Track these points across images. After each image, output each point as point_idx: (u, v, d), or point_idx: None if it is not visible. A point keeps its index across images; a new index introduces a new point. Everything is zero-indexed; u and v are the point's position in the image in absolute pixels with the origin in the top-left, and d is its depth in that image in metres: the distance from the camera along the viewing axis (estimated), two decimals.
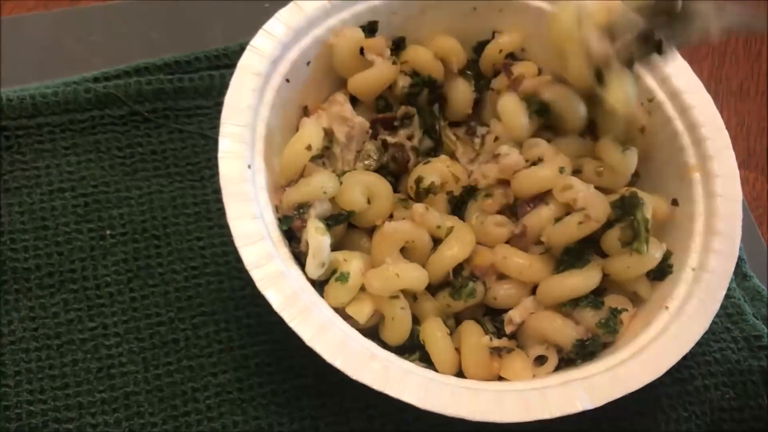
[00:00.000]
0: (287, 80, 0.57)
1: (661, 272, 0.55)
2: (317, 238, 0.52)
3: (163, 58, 0.67)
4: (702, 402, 0.57)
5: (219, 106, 0.65)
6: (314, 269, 0.52)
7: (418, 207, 0.55)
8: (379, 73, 0.58)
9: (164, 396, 0.56)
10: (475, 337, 0.54)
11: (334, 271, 0.53)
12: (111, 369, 0.56)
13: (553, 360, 0.53)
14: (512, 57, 0.62)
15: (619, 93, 0.53)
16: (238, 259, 0.60)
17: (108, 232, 0.61)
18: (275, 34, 0.56)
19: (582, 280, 0.53)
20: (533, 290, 0.55)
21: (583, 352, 0.53)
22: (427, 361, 0.53)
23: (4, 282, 0.58)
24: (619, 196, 0.54)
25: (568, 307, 0.54)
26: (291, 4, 0.57)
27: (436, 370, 0.52)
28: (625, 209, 0.54)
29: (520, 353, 0.54)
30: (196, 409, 0.55)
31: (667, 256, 0.55)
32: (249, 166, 0.52)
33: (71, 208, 0.61)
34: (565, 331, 0.53)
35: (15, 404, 0.54)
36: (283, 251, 0.51)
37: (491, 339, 0.54)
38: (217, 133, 0.63)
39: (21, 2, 0.74)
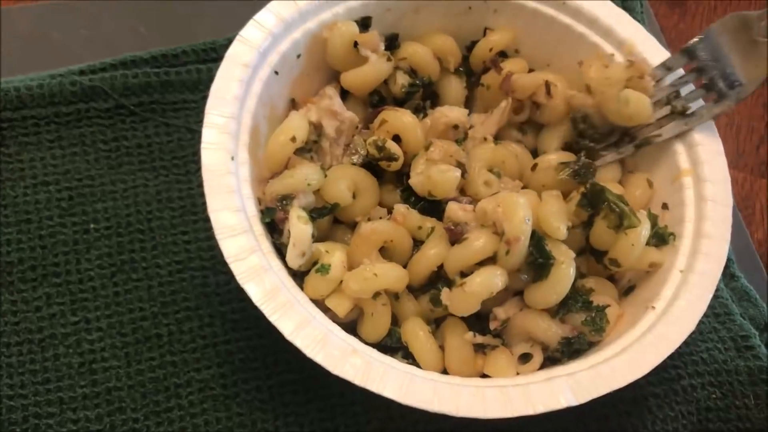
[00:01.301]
0: (276, 72, 0.56)
1: (661, 237, 0.55)
2: (299, 226, 0.51)
3: (150, 52, 0.67)
4: (689, 402, 0.56)
5: (206, 99, 0.64)
6: (294, 258, 0.51)
7: (400, 207, 0.54)
8: (374, 69, 0.58)
9: (146, 391, 0.55)
10: (458, 334, 0.53)
11: (315, 263, 0.52)
12: (93, 364, 0.56)
13: (537, 358, 0.53)
14: (503, 55, 0.62)
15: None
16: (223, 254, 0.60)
17: (92, 225, 0.60)
18: (266, 25, 0.56)
19: (554, 287, 0.52)
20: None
21: (569, 350, 0.53)
22: (409, 359, 0.53)
23: None
24: (581, 195, 0.54)
25: (555, 306, 0.53)
26: None
27: (420, 368, 0.52)
28: (593, 201, 0.53)
29: (504, 350, 0.53)
30: (179, 405, 0.55)
31: (653, 218, 0.55)
32: (232, 158, 0.52)
33: (55, 201, 0.61)
34: (551, 329, 0.53)
35: None
36: (265, 245, 0.51)
37: (475, 335, 0.53)
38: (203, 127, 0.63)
39: None
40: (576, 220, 0.54)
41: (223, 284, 0.59)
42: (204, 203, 0.60)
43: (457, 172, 0.54)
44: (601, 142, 0.59)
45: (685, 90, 0.58)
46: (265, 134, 0.56)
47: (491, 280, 0.51)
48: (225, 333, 0.57)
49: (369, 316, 0.52)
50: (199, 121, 0.63)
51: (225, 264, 0.58)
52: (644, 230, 0.52)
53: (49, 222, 0.60)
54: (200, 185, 0.61)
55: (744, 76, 0.55)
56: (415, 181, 0.55)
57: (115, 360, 0.56)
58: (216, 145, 0.51)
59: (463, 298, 0.51)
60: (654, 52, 0.59)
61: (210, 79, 0.64)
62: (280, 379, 0.56)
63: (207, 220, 0.59)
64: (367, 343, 0.51)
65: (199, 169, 0.61)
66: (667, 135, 0.57)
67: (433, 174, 0.54)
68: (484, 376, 0.53)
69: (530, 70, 0.62)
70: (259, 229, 0.51)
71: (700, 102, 0.57)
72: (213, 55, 0.67)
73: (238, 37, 0.55)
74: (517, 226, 0.50)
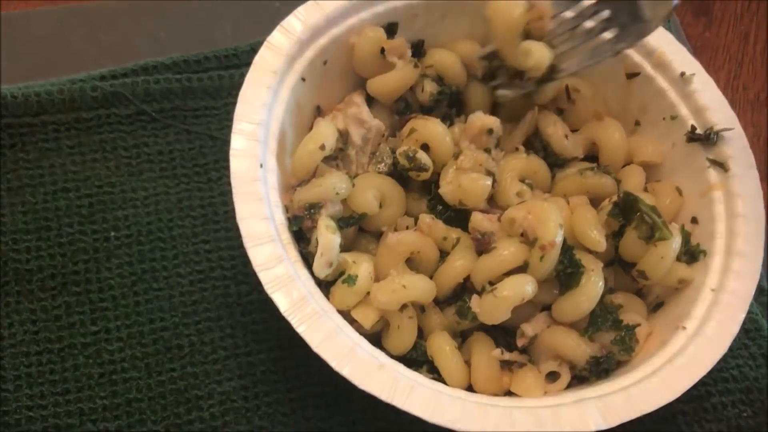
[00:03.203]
0: (303, 79, 0.55)
1: (692, 254, 0.54)
2: (327, 236, 0.51)
3: (172, 57, 0.66)
4: (719, 420, 0.56)
5: (228, 106, 0.64)
6: (321, 268, 0.51)
7: (425, 217, 0.54)
8: (401, 75, 0.57)
9: (167, 403, 0.54)
10: (485, 350, 0.52)
11: (341, 273, 0.52)
12: (113, 375, 0.55)
13: (565, 377, 0.52)
14: None
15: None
16: (245, 263, 0.59)
17: (112, 233, 0.59)
18: (293, 32, 0.55)
19: (584, 297, 0.51)
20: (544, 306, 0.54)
21: (597, 369, 0.52)
22: (435, 373, 0.52)
23: (5, 283, 0.57)
24: (613, 204, 0.53)
25: (583, 322, 0.52)
26: (310, 2, 0.56)
27: (445, 383, 0.51)
28: (625, 212, 0.52)
29: (531, 369, 0.52)
30: (200, 418, 0.54)
31: (686, 235, 0.54)
32: (261, 165, 0.51)
33: (75, 208, 0.60)
34: (579, 347, 0.52)
35: (14, 409, 0.53)
36: (293, 254, 0.50)
37: (502, 352, 0.52)
38: (225, 134, 0.63)
39: None
40: (606, 230, 0.52)
41: (245, 294, 0.58)
42: (225, 212, 0.61)
43: (489, 180, 0.53)
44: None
45: (589, 24, 0.56)
46: (292, 141, 0.55)
47: (522, 287, 0.50)
48: (246, 344, 0.56)
49: (395, 329, 0.52)
50: (221, 128, 0.64)
51: (246, 274, 0.59)
52: (675, 243, 0.51)
53: (69, 229, 0.59)
54: (222, 194, 0.61)
55: (647, 12, 0.53)
56: (446, 190, 0.54)
57: (135, 371, 0.55)
58: (245, 153, 0.51)
59: (494, 305, 0.50)
60: (684, 62, 0.58)
61: (232, 86, 0.65)
62: (303, 392, 0.55)
63: (228, 229, 0.60)
64: (391, 356, 0.50)
65: (220, 177, 0.62)
66: (569, 70, 0.56)
67: (464, 182, 0.53)
68: (509, 392, 0.52)
69: None
70: (286, 237, 0.50)
71: (604, 37, 0.55)
72: (235, 61, 0.66)
73: (265, 44, 0.54)
74: (551, 231, 0.50)
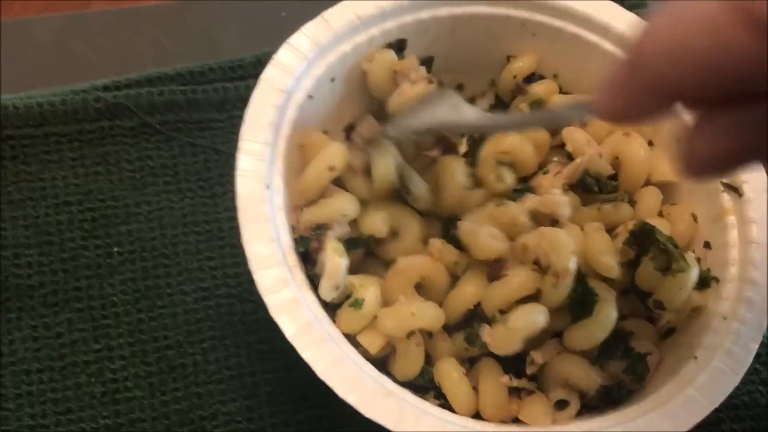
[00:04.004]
0: (310, 97, 0.54)
1: (704, 281, 0.52)
2: (334, 259, 0.50)
3: (176, 68, 0.65)
4: None
5: (233, 119, 0.63)
6: (328, 291, 0.50)
7: (436, 242, 0.53)
8: (417, 91, 0.55)
9: (171, 423, 0.53)
10: (493, 376, 0.51)
11: (348, 296, 0.51)
12: (116, 394, 0.54)
13: (574, 405, 0.51)
14: (540, 77, 0.61)
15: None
16: (250, 281, 0.57)
17: (115, 249, 0.58)
18: (300, 49, 0.54)
19: (596, 327, 0.50)
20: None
21: (608, 399, 0.51)
22: (442, 399, 0.51)
23: (6, 299, 0.56)
24: (629, 233, 0.52)
25: (594, 350, 0.51)
26: (318, 18, 0.55)
27: (451, 409, 0.50)
28: (641, 241, 0.51)
29: (540, 397, 0.51)
30: None
31: (699, 261, 0.53)
32: (267, 186, 0.50)
33: (77, 222, 0.59)
34: (590, 376, 0.51)
35: (16, 429, 0.52)
36: (299, 276, 0.49)
37: (511, 379, 0.51)
38: (230, 148, 0.61)
39: (28, 3, 0.71)
40: (622, 258, 0.52)
41: (250, 313, 0.57)
42: (231, 228, 0.60)
43: (505, 245, 0.52)
44: None
45: None
46: (299, 161, 0.54)
47: (534, 317, 0.49)
48: (251, 364, 0.56)
49: (402, 355, 0.51)
50: (226, 141, 0.63)
51: (252, 292, 0.57)
52: (693, 274, 0.50)
53: (72, 244, 0.58)
54: (227, 209, 0.60)
55: None
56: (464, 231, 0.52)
57: (138, 390, 0.54)
58: (251, 173, 0.50)
59: (505, 336, 0.49)
60: None
61: (237, 98, 0.64)
62: (308, 414, 0.54)
63: (234, 246, 0.59)
64: (397, 381, 0.50)
65: (225, 192, 0.61)
66: None
67: (481, 235, 0.52)
68: (516, 419, 0.51)
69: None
70: (292, 259, 0.49)
71: None
72: (240, 72, 0.65)
73: (272, 61, 0.53)
74: (565, 259, 0.49)
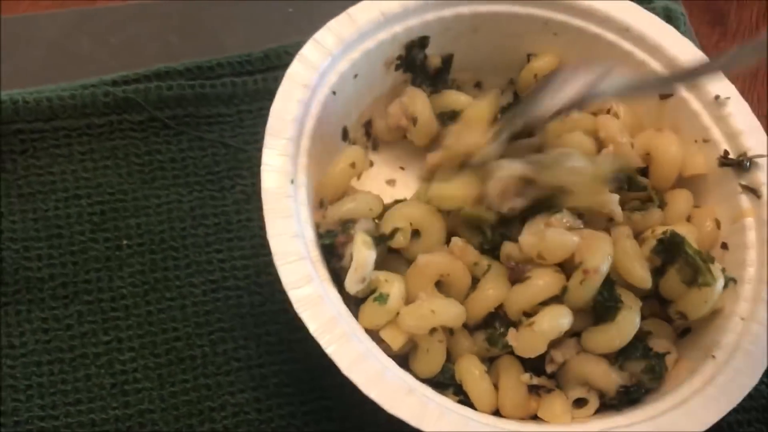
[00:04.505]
0: (334, 93, 0.55)
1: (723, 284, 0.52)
2: (363, 251, 0.50)
3: (185, 63, 0.65)
4: None
5: (241, 114, 0.64)
6: (354, 284, 0.50)
7: (457, 241, 0.53)
8: None
9: (180, 415, 0.54)
10: (514, 374, 0.52)
11: (372, 291, 0.51)
12: (125, 385, 0.54)
13: (593, 404, 0.51)
14: None
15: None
16: (258, 273, 0.59)
17: (125, 242, 0.59)
18: (325, 45, 0.54)
19: (617, 333, 0.51)
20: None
21: (626, 398, 0.51)
22: (461, 395, 0.52)
23: (16, 291, 0.56)
24: (657, 241, 0.52)
25: (614, 352, 0.52)
26: (343, 15, 0.56)
27: (471, 406, 0.50)
28: (669, 251, 0.52)
29: (560, 395, 0.52)
30: (213, 430, 0.54)
31: (724, 271, 0.53)
32: (291, 181, 0.50)
33: (87, 216, 0.59)
34: (609, 376, 0.51)
35: (26, 420, 0.53)
36: (322, 272, 0.50)
37: (531, 377, 0.52)
38: (238, 142, 0.63)
39: (36, 2, 0.71)
40: (648, 265, 0.52)
41: (258, 305, 0.58)
42: (239, 221, 0.60)
43: (575, 238, 0.51)
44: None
45: None
46: (322, 156, 0.55)
47: (559, 320, 0.49)
48: (259, 356, 0.56)
49: (423, 352, 0.51)
50: (234, 136, 0.63)
51: (260, 284, 0.58)
52: (718, 286, 0.50)
53: (81, 237, 0.58)
54: (235, 202, 0.61)
55: None
56: (527, 241, 0.52)
57: (147, 381, 0.55)
58: (276, 168, 0.50)
59: (532, 339, 0.49)
60: (719, 84, 0.57)
61: (245, 93, 0.64)
62: (315, 405, 0.55)
63: (242, 238, 0.60)
64: (418, 378, 0.50)
65: (234, 186, 0.61)
66: None
67: (550, 236, 0.51)
68: (535, 417, 0.52)
69: None
70: (316, 254, 0.50)
71: None
72: (248, 68, 0.66)
73: (297, 57, 0.54)
74: (599, 258, 0.49)
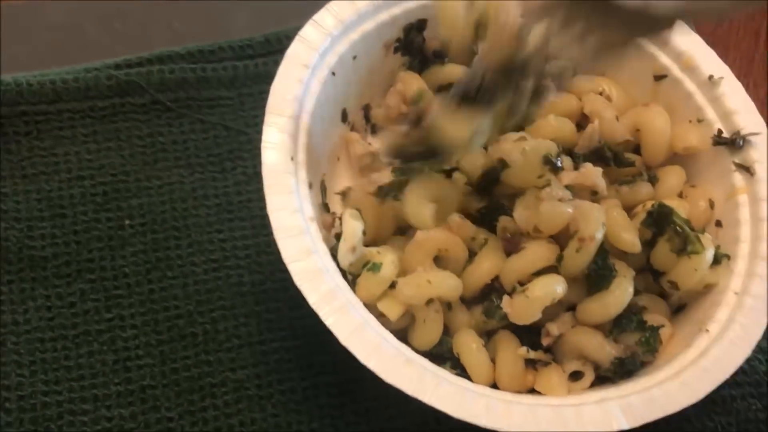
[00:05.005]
0: (333, 73, 0.56)
1: (715, 258, 0.53)
2: (350, 222, 0.52)
3: (187, 47, 0.66)
4: (728, 413, 0.56)
5: (242, 97, 0.65)
6: (344, 254, 0.51)
7: (454, 216, 0.54)
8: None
9: (181, 390, 0.55)
10: (511, 348, 0.53)
11: (366, 264, 0.52)
12: (127, 362, 0.55)
13: (589, 376, 0.52)
14: None
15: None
16: (259, 253, 0.60)
17: (127, 222, 0.60)
18: (325, 26, 0.55)
19: (612, 300, 0.52)
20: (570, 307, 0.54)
21: (621, 370, 0.52)
22: (458, 369, 0.52)
23: (20, 270, 0.57)
24: (647, 214, 0.53)
25: (608, 323, 0.53)
26: None
27: (468, 379, 0.51)
28: (659, 222, 0.53)
29: (556, 368, 0.52)
30: (214, 405, 0.54)
31: (718, 248, 0.54)
32: (292, 158, 0.51)
33: (90, 196, 0.60)
34: (604, 348, 0.52)
35: (30, 394, 0.53)
36: (321, 246, 0.50)
37: (528, 351, 0.52)
38: (239, 125, 0.63)
39: None
40: (639, 237, 0.53)
41: (258, 284, 0.58)
42: (239, 202, 0.61)
43: (569, 209, 0.51)
44: None
45: None
46: (322, 134, 0.56)
47: (553, 287, 0.50)
48: (260, 333, 0.57)
49: (421, 323, 0.52)
50: (235, 119, 0.64)
51: (260, 263, 0.59)
52: (708, 256, 0.51)
53: (84, 217, 0.59)
54: (236, 183, 0.62)
55: None
56: (522, 215, 0.52)
57: (149, 358, 0.55)
58: (276, 145, 0.51)
59: (525, 305, 0.50)
60: (713, 65, 0.58)
61: (247, 76, 0.65)
62: (315, 381, 0.56)
63: (242, 219, 0.60)
64: (417, 351, 0.51)
65: (234, 167, 0.62)
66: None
67: (544, 209, 0.51)
68: (532, 390, 0.52)
69: None
70: (315, 229, 0.51)
71: None
72: (249, 51, 0.67)
73: (297, 37, 0.55)
74: (593, 226, 0.50)
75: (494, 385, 0.52)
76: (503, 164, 0.53)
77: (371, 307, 0.51)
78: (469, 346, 0.52)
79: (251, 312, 0.57)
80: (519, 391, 0.52)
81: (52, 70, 0.64)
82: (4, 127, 0.61)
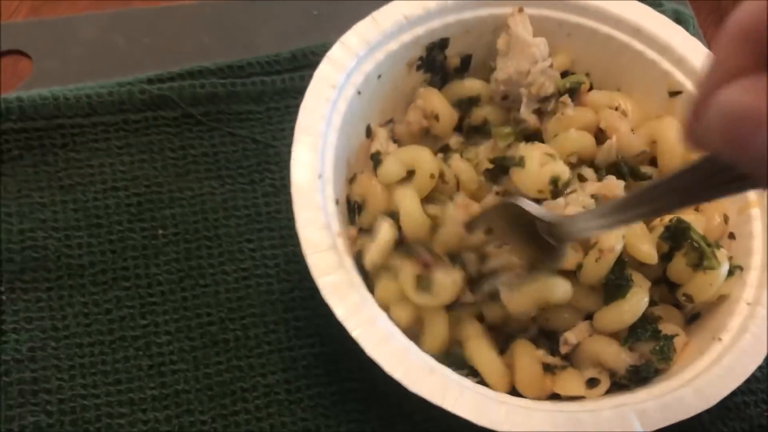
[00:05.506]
0: (359, 92, 0.58)
1: (729, 270, 0.55)
2: (385, 227, 0.55)
3: (217, 63, 0.68)
4: (742, 419, 0.58)
5: (269, 111, 0.67)
6: (371, 259, 0.54)
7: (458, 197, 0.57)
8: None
9: (214, 395, 0.57)
10: (528, 352, 0.55)
11: (386, 269, 0.54)
12: (162, 366, 0.57)
13: (605, 383, 0.54)
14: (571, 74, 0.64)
15: None
16: (287, 262, 0.62)
17: (160, 231, 0.62)
18: (351, 47, 0.58)
19: (627, 309, 0.53)
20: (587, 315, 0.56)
21: (636, 378, 0.54)
22: (478, 377, 0.54)
23: (59, 277, 0.59)
24: (664, 228, 0.55)
25: (624, 332, 0.54)
26: (368, 18, 0.59)
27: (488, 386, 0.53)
28: (676, 237, 0.55)
29: (573, 371, 0.54)
30: (245, 409, 0.56)
31: (731, 259, 0.56)
32: (319, 176, 0.53)
33: (124, 206, 0.62)
34: (620, 356, 0.54)
35: (69, 398, 0.55)
36: (347, 261, 0.52)
37: (545, 354, 0.54)
38: (267, 138, 0.66)
39: (73, 3, 0.75)
40: (654, 244, 0.55)
41: (287, 292, 0.61)
42: (268, 213, 0.63)
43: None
44: None
45: None
46: (347, 151, 0.58)
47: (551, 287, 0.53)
48: (289, 340, 0.59)
49: (429, 326, 0.54)
50: (263, 132, 0.66)
51: (288, 272, 0.61)
52: (723, 270, 0.53)
53: (119, 227, 0.62)
54: (264, 195, 0.64)
55: None
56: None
57: (183, 363, 0.58)
58: (305, 164, 0.53)
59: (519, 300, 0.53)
60: None
61: (274, 91, 0.67)
62: (342, 386, 0.58)
63: (271, 229, 0.63)
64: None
65: (263, 179, 0.64)
66: None
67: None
68: (551, 398, 0.54)
69: None
70: (341, 245, 0.53)
71: None
72: (277, 67, 0.69)
73: (325, 58, 0.57)
74: (613, 238, 0.52)
75: (513, 392, 0.54)
76: (520, 162, 0.55)
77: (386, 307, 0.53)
78: (481, 354, 0.54)
79: (280, 319, 0.60)
80: (539, 397, 0.54)
81: (87, 84, 0.66)
82: (41, 139, 0.63)
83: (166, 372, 0.57)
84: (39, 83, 0.68)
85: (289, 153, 0.62)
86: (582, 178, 0.57)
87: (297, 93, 0.68)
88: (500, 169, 0.58)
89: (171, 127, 0.65)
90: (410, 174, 0.58)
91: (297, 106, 0.62)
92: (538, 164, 0.55)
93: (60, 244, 0.60)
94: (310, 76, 0.59)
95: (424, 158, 0.58)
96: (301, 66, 0.69)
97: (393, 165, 0.58)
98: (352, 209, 0.59)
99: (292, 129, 0.65)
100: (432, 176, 0.57)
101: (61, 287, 0.59)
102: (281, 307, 0.60)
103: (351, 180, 0.60)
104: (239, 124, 0.66)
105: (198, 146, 0.65)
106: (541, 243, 0.50)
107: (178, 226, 0.62)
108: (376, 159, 0.59)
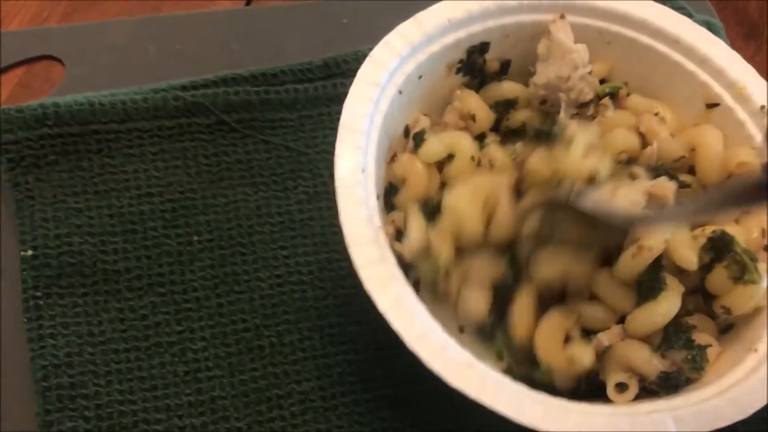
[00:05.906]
0: (400, 92, 0.59)
1: None
2: (418, 220, 0.56)
3: (250, 70, 0.68)
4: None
5: (302, 119, 0.67)
6: (411, 244, 0.54)
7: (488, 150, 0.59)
8: None
9: (249, 401, 0.57)
10: (555, 320, 0.55)
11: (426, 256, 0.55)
12: (198, 373, 0.58)
13: (633, 389, 0.54)
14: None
15: None
16: (321, 269, 0.62)
17: (195, 237, 0.62)
18: (394, 47, 0.58)
19: (659, 310, 0.54)
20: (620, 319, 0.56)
21: (667, 385, 0.54)
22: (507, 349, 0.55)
23: (94, 283, 0.59)
24: (707, 239, 0.55)
25: (656, 339, 0.55)
26: (411, 19, 0.59)
27: (521, 379, 0.53)
28: (718, 248, 0.55)
29: (587, 343, 0.55)
30: (281, 416, 0.57)
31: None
32: (362, 170, 0.54)
33: (159, 212, 0.63)
34: (651, 362, 0.54)
35: (106, 403, 0.56)
36: (389, 255, 0.53)
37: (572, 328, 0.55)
38: (300, 145, 0.66)
39: (104, 8, 0.75)
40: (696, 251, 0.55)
41: (321, 299, 0.61)
42: (301, 219, 0.64)
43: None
44: None
45: None
46: (387, 149, 0.59)
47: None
48: (323, 347, 0.59)
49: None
50: (296, 139, 0.67)
51: (322, 279, 0.62)
52: (763, 285, 0.54)
53: (154, 233, 0.62)
54: (298, 202, 0.64)
55: None
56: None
57: (218, 369, 0.58)
58: (349, 158, 0.54)
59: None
60: (762, 90, 0.60)
61: (306, 99, 0.68)
62: (377, 393, 0.58)
63: (305, 236, 0.63)
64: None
65: (296, 186, 0.65)
66: None
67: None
68: (585, 398, 0.54)
69: None
70: (383, 239, 0.53)
71: None
72: (309, 75, 0.69)
73: (369, 58, 0.57)
74: (656, 239, 0.53)
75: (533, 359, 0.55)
76: (567, 141, 0.56)
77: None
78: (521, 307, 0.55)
79: (314, 326, 0.60)
80: (554, 364, 0.54)
81: (121, 90, 0.66)
82: (77, 144, 0.64)
83: (201, 378, 0.58)
84: (71, 89, 0.68)
85: (321, 161, 0.63)
86: (633, 176, 0.57)
87: (329, 101, 0.68)
88: (542, 136, 0.58)
89: (205, 134, 0.66)
90: (450, 158, 0.59)
91: (329, 114, 0.63)
92: (581, 153, 0.56)
93: (95, 249, 0.60)
94: (343, 84, 0.59)
95: (464, 143, 0.59)
96: (333, 74, 0.69)
97: (435, 144, 0.58)
98: (389, 193, 0.60)
99: (324, 137, 0.66)
100: (472, 158, 0.58)
101: (96, 293, 0.59)
102: (315, 314, 0.60)
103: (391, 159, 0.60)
104: (272, 131, 0.67)
105: (231, 153, 0.66)
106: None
107: (213, 233, 0.62)
108: (419, 138, 0.59)
